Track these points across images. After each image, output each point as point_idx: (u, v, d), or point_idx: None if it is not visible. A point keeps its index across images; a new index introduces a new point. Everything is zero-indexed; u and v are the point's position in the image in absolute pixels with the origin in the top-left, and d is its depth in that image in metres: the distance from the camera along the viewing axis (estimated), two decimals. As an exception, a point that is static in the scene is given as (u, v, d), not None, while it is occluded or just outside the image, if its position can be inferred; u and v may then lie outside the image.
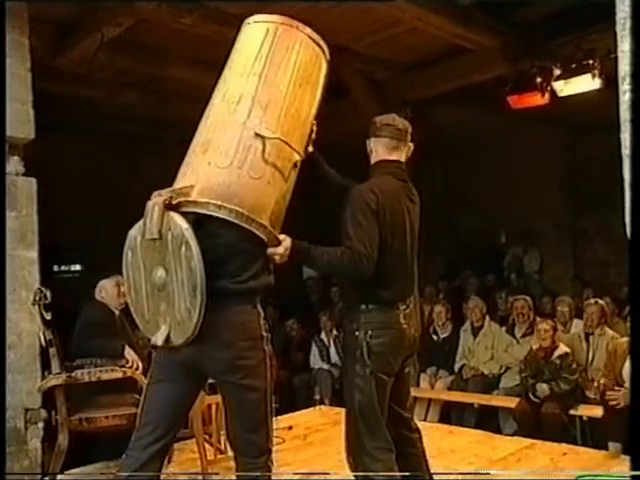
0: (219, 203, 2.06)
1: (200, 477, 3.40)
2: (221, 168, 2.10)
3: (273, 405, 2.23)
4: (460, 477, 3.19)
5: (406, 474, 2.41)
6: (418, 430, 2.57)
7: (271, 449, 2.23)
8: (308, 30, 2.35)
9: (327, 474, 3.27)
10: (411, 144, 2.54)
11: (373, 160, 2.51)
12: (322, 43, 2.39)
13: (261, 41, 2.28)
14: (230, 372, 2.12)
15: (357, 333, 2.35)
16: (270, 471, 2.23)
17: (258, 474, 2.18)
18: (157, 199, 2.05)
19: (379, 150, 2.48)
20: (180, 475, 3.43)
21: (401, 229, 2.40)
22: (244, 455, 2.21)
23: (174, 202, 2.05)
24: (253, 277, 2.14)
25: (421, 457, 2.54)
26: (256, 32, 2.34)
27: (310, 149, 2.42)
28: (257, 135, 2.13)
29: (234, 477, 2.29)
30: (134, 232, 2.13)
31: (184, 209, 2.06)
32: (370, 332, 2.34)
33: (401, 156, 2.49)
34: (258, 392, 2.14)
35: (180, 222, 2.01)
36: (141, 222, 2.09)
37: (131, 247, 2.13)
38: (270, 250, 2.17)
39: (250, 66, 2.25)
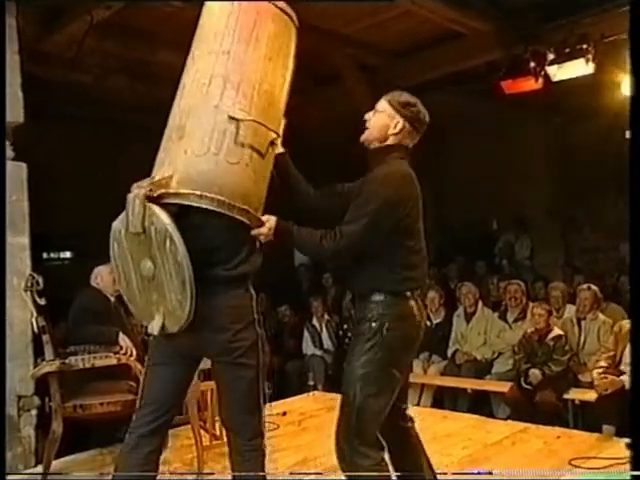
0: (199, 193, 2.03)
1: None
2: (198, 156, 2.07)
3: (266, 390, 2.26)
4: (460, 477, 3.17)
5: (404, 474, 2.41)
6: (412, 419, 2.52)
7: (264, 433, 2.25)
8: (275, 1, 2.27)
9: (320, 474, 3.25)
10: None
11: (392, 140, 2.31)
12: (289, 11, 2.31)
13: (227, 16, 2.21)
14: (225, 353, 2.16)
15: (373, 324, 2.22)
16: (264, 455, 2.25)
17: (252, 461, 2.22)
18: (137, 192, 2.01)
19: (405, 133, 2.31)
20: (184, 475, 3.41)
21: (419, 216, 2.31)
22: (238, 436, 2.24)
23: (155, 195, 2.01)
24: (243, 262, 2.16)
25: (419, 446, 2.49)
26: (220, 7, 2.26)
27: (280, 149, 2.32)
28: (231, 118, 2.09)
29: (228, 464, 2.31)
30: (118, 224, 2.11)
31: (165, 201, 2.04)
32: (387, 324, 2.21)
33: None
34: (252, 370, 2.18)
35: (163, 217, 1.99)
36: (124, 214, 2.06)
37: (116, 239, 2.12)
38: (254, 231, 2.16)
39: (218, 44, 2.17)
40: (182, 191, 2.04)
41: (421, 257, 2.33)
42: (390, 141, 2.32)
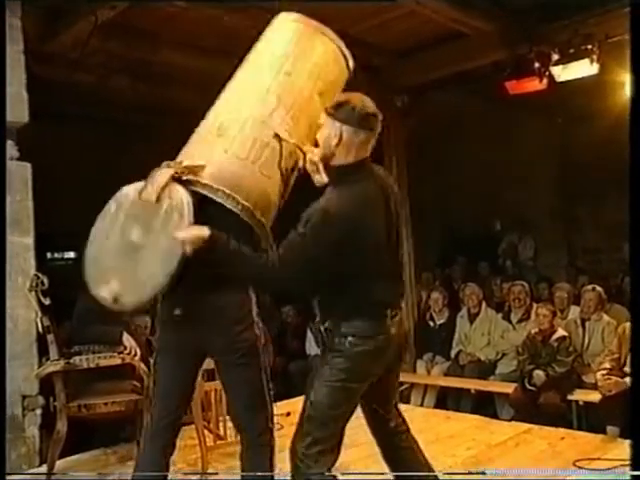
0: (228, 192, 2.08)
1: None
2: (238, 158, 2.13)
3: (271, 388, 2.32)
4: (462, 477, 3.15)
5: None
6: (402, 424, 2.41)
7: (272, 429, 2.31)
8: (341, 43, 2.39)
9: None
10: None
11: (345, 159, 2.12)
12: (350, 59, 2.43)
13: (295, 41, 2.34)
14: (227, 353, 2.24)
15: (336, 339, 2.14)
16: (273, 450, 2.31)
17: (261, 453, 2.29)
18: (167, 170, 2.07)
19: (355, 146, 2.11)
20: (188, 475, 3.41)
21: (381, 237, 2.16)
22: (245, 433, 2.32)
23: (183, 178, 2.07)
24: None
25: (415, 449, 2.40)
26: (290, 30, 2.39)
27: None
28: (276, 136, 2.17)
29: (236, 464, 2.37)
30: (128, 189, 2.16)
31: (192, 187, 2.08)
32: (350, 339, 2.11)
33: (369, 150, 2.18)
34: (254, 370, 2.26)
35: (183, 194, 2.04)
36: (139, 184, 2.11)
37: (118, 201, 2.17)
38: (179, 234, 2.03)
39: (281, 63, 2.28)
40: (213, 185, 2.08)
41: (388, 274, 2.20)
42: (341, 158, 2.13)
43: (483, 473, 3.00)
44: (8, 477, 2.72)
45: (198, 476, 3.35)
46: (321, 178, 2.17)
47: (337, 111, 2.12)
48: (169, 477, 2.38)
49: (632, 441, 2.07)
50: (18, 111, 3.59)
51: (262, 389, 2.28)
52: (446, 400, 5.48)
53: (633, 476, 2.11)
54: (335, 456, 2.18)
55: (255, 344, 2.26)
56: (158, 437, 2.27)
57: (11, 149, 3.59)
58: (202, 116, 2.40)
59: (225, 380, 2.33)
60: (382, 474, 2.42)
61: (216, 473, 3.34)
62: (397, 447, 2.38)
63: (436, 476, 2.44)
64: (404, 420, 2.43)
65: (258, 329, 2.28)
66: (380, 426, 2.37)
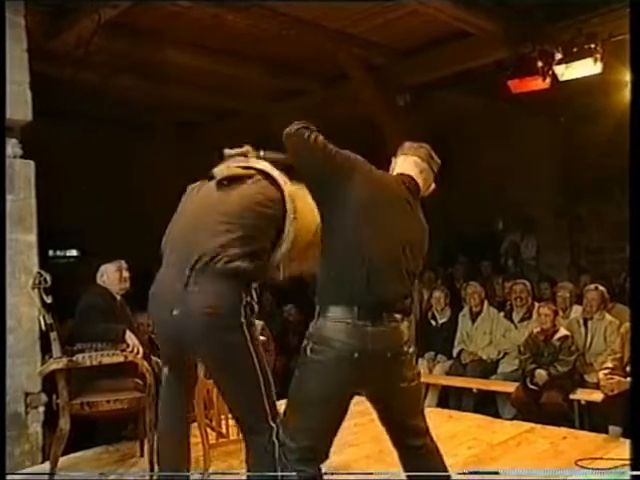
0: None
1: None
2: None
3: (272, 388, 2.24)
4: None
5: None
6: (423, 436, 2.25)
7: (272, 426, 2.22)
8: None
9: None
10: None
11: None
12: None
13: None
14: (211, 356, 2.23)
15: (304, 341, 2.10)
16: (274, 449, 2.22)
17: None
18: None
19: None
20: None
21: (370, 221, 2.12)
22: (246, 434, 2.29)
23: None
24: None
25: (431, 459, 2.27)
26: None
27: None
28: None
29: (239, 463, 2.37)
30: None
31: None
32: (311, 345, 2.06)
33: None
34: (245, 371, 2.19)
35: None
36: None
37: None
38: None
39: None
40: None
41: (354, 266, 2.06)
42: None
43: (497, 473, 2.98)
44: (8, 477, 2.72)
45: (199, 476, 3.35)
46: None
47: (433, 162, 2.38)
48: (170, 475, 2.39)
49: (632, 441, 2.07)
50: (22, 109, 3.60)
51: (255, 390, 2.20)
52: (448, 399, 5.48)
53: (633, 476, 2.11)
54: (312, 464, 2.10)
55: (243, 346, 2.17)
56: (169, 435, 2.39)
57: (15, 147, 3.60)
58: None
59: (216, 383, 2.36)
60: (382, 474, 2.41)
61: (219, 472, 3.34)
62: (414, 458, 2.27)
63: (449, 476, 2.36)
64: (423, 435, 2.27)
65: (249, 330, 2.19)
66: (398, 440, 2.26)
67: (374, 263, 2.05)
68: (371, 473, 2.30)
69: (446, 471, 2.29)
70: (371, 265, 2.04)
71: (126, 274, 3.90)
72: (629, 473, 2.13)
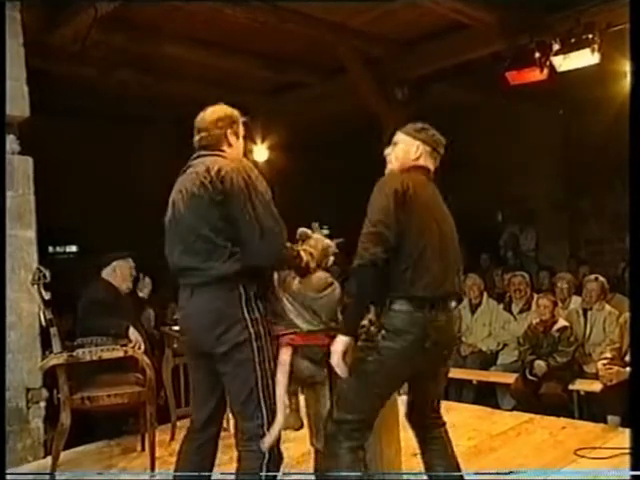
0: None
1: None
2: None
3: (270, 394, 2.20)
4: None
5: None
6: (438, 424, 2.42)
7: (263, 434, 2.17)
8: None
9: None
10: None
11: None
12: None
13: None
14: (213, 351, 2.20)
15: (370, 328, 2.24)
16: (263, 458, 2.17)
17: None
18: None
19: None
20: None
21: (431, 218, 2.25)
22: (239, 437, 2.25)
23: None
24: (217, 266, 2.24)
25: (445, 452, 2.39)
26: None
27: None
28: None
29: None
30: None
31: None
32: (383, 332, 2.17)
33: None
34: (245, 368, 2.16)
35: None
36: None
37: None
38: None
39: None
40: None
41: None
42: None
43: (510, 473, 2.99)
44: (8, 477, 2.72)
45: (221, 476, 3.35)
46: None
47: (419, 133, 2.36)
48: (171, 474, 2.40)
49: (631, 430, 2.08)
50: (19, 105, 3.59)
51: (253, 394, 2.17)
52: (448, 391, 5.48)
53: (633, 476, 2.12)
54: (366, 433, 2.24)
55: (245, 342, 2.15)
56: (196, 437, 2.36)
57: (13, 143, 3.60)
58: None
59: (221, 377, 2.29)
60: (382, 473, 2.42)
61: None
62: (434, 439, 2.40)
63: (462, 476, 2.39)
64: (438, 423, 2.43)
65: (253, 326, 2.17)
66: (423, 418, 2.40)
67: (436, 255, 2.18)
68: (371, 473, 2.29)
69: (456, 457, 2.40)
70: (433, 257, 2.18)
71: (134, 272, 3.96)
72: (629, 473, 2.13)
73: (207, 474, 2.37)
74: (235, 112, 2.38)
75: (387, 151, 2.39)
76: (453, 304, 2.26)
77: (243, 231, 2.14)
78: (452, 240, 2.31)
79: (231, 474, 2.33)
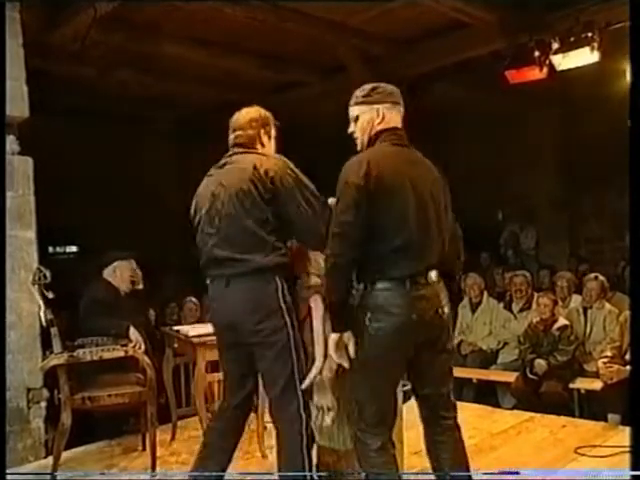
0: None
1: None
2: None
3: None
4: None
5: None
6: (451, 429, 2.32)
7: (302, 417, 2.29)
8: None
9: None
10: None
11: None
12: None
13: None
14: (251, 340, 2.32)
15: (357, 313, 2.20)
16: (304, 439, 2.28)
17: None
18: None
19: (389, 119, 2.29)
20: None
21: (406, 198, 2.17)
22: (277, 422, 2.35)
23: None
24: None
25: (453, 448, 2.32)
26: None
27: None
28: None
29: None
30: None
31: None
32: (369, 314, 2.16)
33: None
34: (281, 356, 2.28)
35: None
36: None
37: None
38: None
39: None
40: None
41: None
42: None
43: (517, 473, 2.99)
44: (9, 477, 2.72)
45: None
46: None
47: (371, 96, 2.28)
48: (173, 471, 2.42)
49: (632, 428, 2.08)
50: (19, 105, 3.59)
51: (290, 376, 2.29)
52: (448, 389, 5.50)
53: (633, 476, 2.12)
54: (387, 423, 2.22)
55: (282, 328, 2.28)
56: (228, 416, 2.47)
57: (12, 144, 3.60)
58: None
59: (258, 367, 2.39)
60: (382, 473, 2.42)
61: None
62: (443, 435, 2.32)
63: (470, 476, 2.33)
64: (452, 417, 2.34)
65: (289, 315, 2.29)
66: (431, 412, 2.32)
67: (413, 230, 2.15)
68: (371, 473, 2.29)
69: (467, 457, 2.35)
70: (411, 231, 2.14)
71: (135, 273, 3.96)
72: (629, 473, 2.13)
73: (217, 474, 2.43)
74: (268, 114, 2.53)
75: (350, 129, 2.33)
76: (433, 276, 2.19)
77: (297, 221, 2.29)
78: (434, 202, 2.22)
79: (244, 474, 2.36)
